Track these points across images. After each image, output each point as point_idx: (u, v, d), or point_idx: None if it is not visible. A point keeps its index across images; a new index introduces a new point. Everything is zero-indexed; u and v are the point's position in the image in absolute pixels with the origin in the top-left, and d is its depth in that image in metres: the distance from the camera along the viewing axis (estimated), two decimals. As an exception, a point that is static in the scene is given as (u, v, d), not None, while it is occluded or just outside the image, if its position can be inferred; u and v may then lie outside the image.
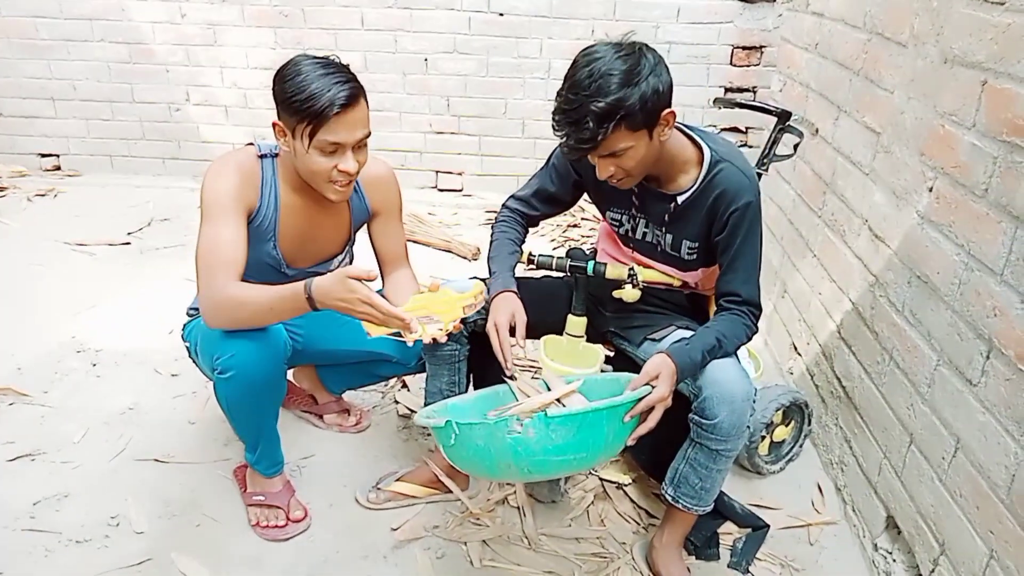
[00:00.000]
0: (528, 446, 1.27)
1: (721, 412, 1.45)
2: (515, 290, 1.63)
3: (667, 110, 1.40)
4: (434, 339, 1.46)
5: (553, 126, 1.41)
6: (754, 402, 1.50)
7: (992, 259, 1.35)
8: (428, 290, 1.51)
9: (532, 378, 1.65)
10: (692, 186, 1.53)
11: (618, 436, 1.38)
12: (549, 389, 1.55)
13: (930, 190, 1.60)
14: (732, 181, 1.50)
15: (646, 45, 1.40)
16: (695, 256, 1.61)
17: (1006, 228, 1.31)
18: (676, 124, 1.49)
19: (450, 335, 1.67)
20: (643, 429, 1.40)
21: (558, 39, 3.63)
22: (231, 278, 1.47)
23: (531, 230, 1.85)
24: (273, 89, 1.50)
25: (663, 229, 1.61)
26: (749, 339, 1.58)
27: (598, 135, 1.35)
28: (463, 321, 1.67)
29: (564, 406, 1.48)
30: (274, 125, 1.52)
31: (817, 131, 2.33)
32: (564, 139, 1.40)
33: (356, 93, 1.47)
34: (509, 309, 1.58)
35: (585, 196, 1.75)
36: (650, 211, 1.61)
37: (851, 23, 2.17)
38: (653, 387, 1.40)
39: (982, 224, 1.39)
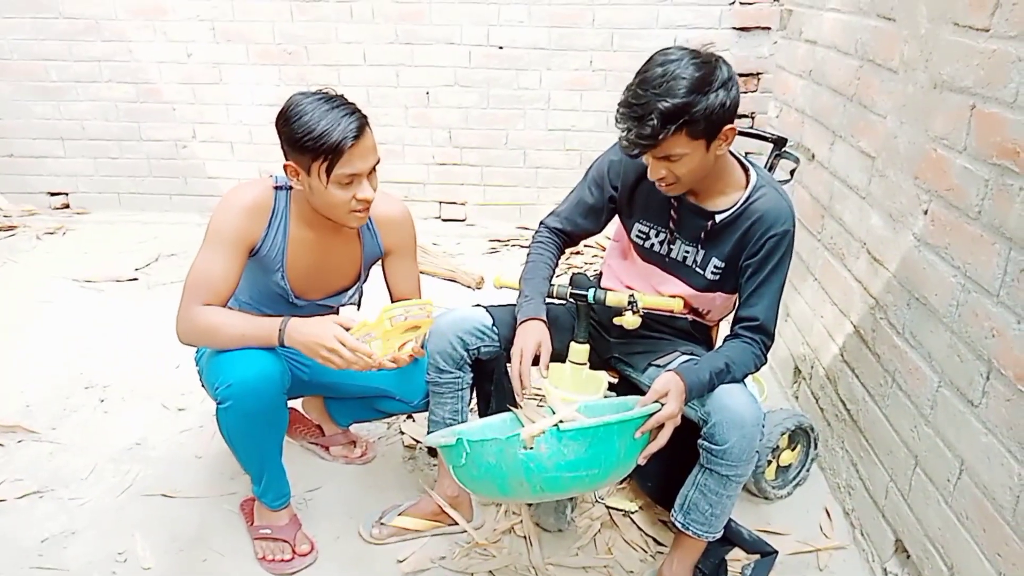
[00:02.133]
0: (540, 462, 1.28)
1: (731, 437, 1.45)
2: (544, 319, 1.62)
3: (729, 126, 1.43)
4: (394, 359, 1.53)
5: (616, 118, 1.43)
6: (763, 426, 1.50)
7: (988, 280, 1.36)
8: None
9: (538, 406, 1.65)
10: (734, 205, 1.54)
11: (629, 453, 1.38)
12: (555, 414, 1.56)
13: (925, 213, 1.62)
14: (774, 206, 1.52)
15: (722, 59, 1.42)
16: (718, 277, 1.62)
17: (1000, 249, 1.32)
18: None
19: (455, 362, 1.69)
20: (654, 447, 1.40)
21: (557, 70, 3.69)
22: (212, 303, 1.55)
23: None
24: (280, 132, 1.52)
25: (696, 246, 1.62)
26: (757, 369, 1.58)
27: (659, 135, 1.37)
28: (466, 349, 1.69)
29: None
30: (286, 168, 1.55)
31: (813, 156, 2.36)
32: (625, 133, 1.41)
33: (364, 123, 1.51)
34: (537, 338, 1.57)
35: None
36: (686, 226, 1.62)
37: (843, 50, 2.20)
38: (663, 404, 1.40)
39: (977, 246, 1.40)
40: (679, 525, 1.60)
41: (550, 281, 1.71)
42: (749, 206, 1.53)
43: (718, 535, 1.61)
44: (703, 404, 1.50)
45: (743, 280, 1.58)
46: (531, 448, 1.28)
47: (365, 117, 1.52)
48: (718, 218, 1.56)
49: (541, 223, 1.81)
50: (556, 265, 1.76)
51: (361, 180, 1.54)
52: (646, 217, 1.67)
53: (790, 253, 1.56)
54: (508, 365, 1.62)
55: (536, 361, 1.57)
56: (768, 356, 1.59)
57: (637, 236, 1.70)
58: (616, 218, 1.77)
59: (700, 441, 1.52)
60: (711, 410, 1.48)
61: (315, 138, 1.45)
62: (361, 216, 1.59)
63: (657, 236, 1.67)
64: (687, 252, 1.64)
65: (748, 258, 1.55)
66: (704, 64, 1.38)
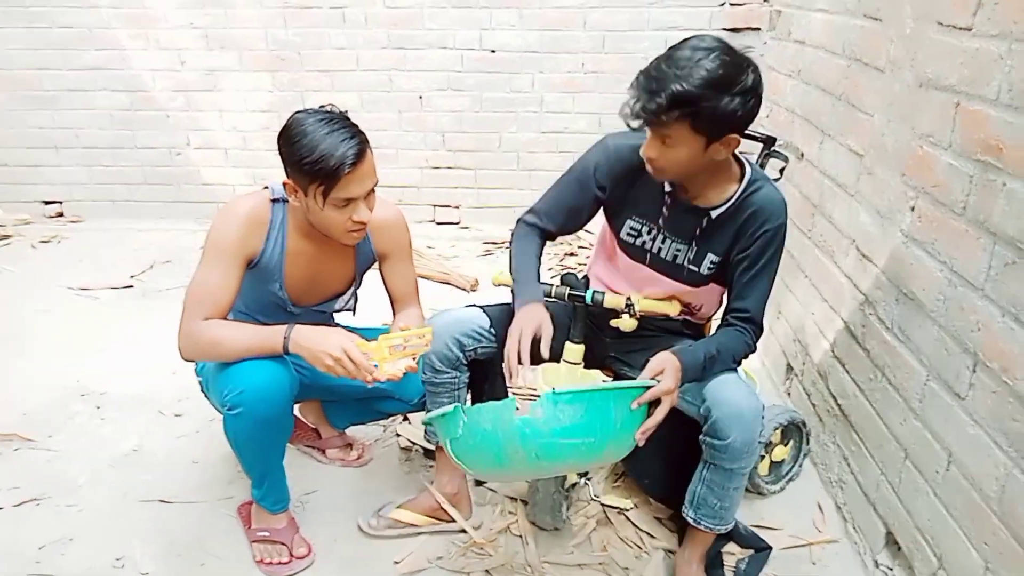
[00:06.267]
0: (536, 427, 1.28)
1: (733, 432, 1.48)
2: (543, 301, 1.61)
3: (733, 135, 1.41)
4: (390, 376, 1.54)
5: (632, 83, 1.40)
6: (763, 418, 1.53)
7: (973, 274, 1.38)
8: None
9: (528, 399, 1.66)
10: (728, 201, 1.55)
11: (626, 426, 1.38)
12: None
13: (912, 209, 1.64)
14: (769, 200, 1.53)
15: (755, 67, 1.39)
16: (713, 270, 1.63)
17: (985, 244, 1.34)
18: None
19: (451, 363, 1.71)
20: (651, 422, 1.41)
21: (549, 73, 3.71)
22: (213, 318, 1.56)
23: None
24: (280, 150, 1.53)
25: (690, 243, 1.62)
26: (746, 356, 1.61)
27: (662, 114, 1.35)
28: (463, 350, 1.70)
29: None
30: (285, 184, 1.56)
31: (803, 155, 2.38)
32: (633, 101, 1.39)
33: (364, 148, 1.51)
34: (537, 319, 1.55)
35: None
36: (678, 224, 1.61)
37: (831, 50, 2.23)
38: (658, 381, 1.42)
39: (962, 241, 1.42)
40: (691, 520, 1.63)
41: (539, 270, 1.70)
42: (744, 200, 1.54)
43: (730, 526, 1.64)
44: (703, 400, 1.52)
45: (735, 273, 1.59)
46: (527, 412, 1.29)
47: (366, 140, 1.52)
48: (713, 214, 1.56)
49: (519, 219, 1.77)
50: (541, 257, 1.74)
51: (358, 203, 1.55)
52: (638, 213, 1.67)
53: (782, 247, 1.57)
54: (503, 364, 1.62)
55: (537, 345, 1.54)
56: (758, 345, 1.62)
57: (628, 234, 1.69)
58: (599, 220, 1.77)
59: (702, 437, 1.54)
60: (711, 406, 1.50)
61: (313, 162, 1.46)
62: (357, 235, 1.61)
63: (648, 233, 1.66)
64: (678, 251, 1.64)
65: (741, 251, 1.56)
66: (733, 65, 1.35)
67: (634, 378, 1.76)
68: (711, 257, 1.61)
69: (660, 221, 1.63)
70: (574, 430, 1.30)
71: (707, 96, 1.33)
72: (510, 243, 1.76)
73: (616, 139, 1.64)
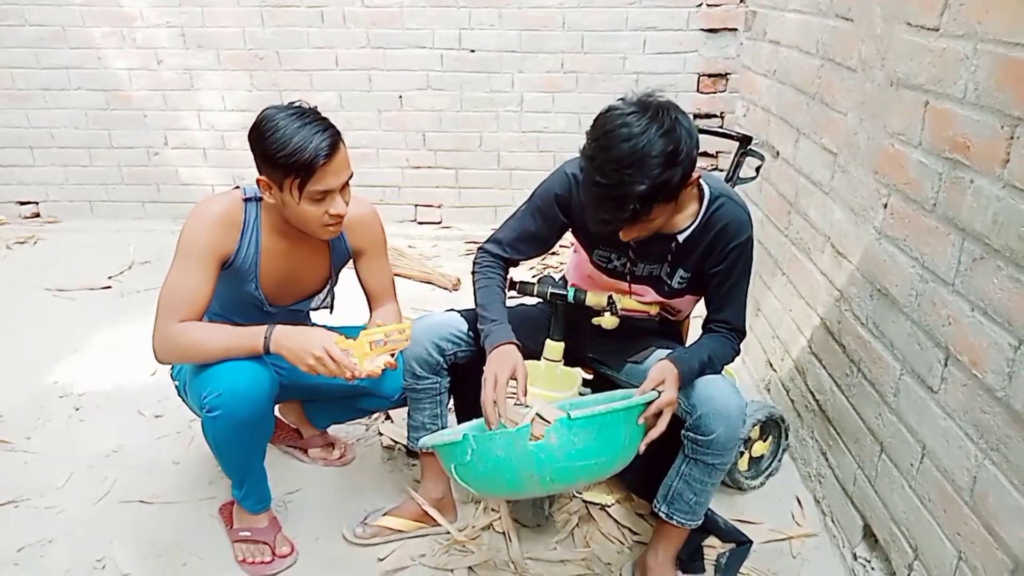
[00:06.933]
0: (551, 452, 1.28)
1: (718, 427, 1.50)
2: (517, 343, 1.58)
3: (696, 174, 1.42)
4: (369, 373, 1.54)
5: (588, 198, 1.39)
6: (745, 415, 1.55)
7: (944, 270, 1.41)
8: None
9: (516, 405, 1.66)
10: (693, 223, 1.56)
11: (632, 441, 1.40)
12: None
13: (885, 206, 1.67)
14: (733, 216, 1.55)
15: (677, 108, 1.36)
16: (684, 285, 1.66)
17: (954, 240, 1.38)
18: None
19: (432, 367, 1.71)
20: (653, 433, 1.42)
21: (529, 72, 3.72)
22: (188, 319, 1.55)
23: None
24: (252, 146, 1.52)
25: (661, 264, 1.64)
26: (732, 360, 1.64)
27: (640, 215, 1.34)
28: (442, 354, 1.71)
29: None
30: (259, 181, 1.55)
31: (778, 154, 2.41)
32: (602, 214, 1.37)
33: (337, 140, 1.51)
34: (511, 363, 1.51)
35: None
36: (649, 252, 1.63)
37: (804, 50, 2.26)
38: (660, 392, 1.44)
39: (933, 237, 1.45)
40: (663, 515, 1.64)
41: (506, 305, 1.69)
42: (709, 218, 1.55)
43: (700, 522, 1.65)
44: (687, 397, 1.54)
45: (711, 287, 1.62)
46: (541, 438, 1.29)
47: (338, 133, 1.53)
48: (680, 238, 1.57)
49: (481, 248, 1.75)
50: (505, 289, 1.73)
51: (334, 196, 1.55)
52: (604, 243, 1.67)
53: (752, 257, 1.61)
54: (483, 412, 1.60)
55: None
56: (740, 348, 1.65)
57: (599, 259, 1.71)
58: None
59: (685, 432, 1.56)
60: (696, 403, 1.52)
61: (287, 155, 1.45)
62: (333, 230, 1.60)
63: (619, 259, 1.68)
64: (652, 268, 1.66)
65: (714, 267, 1.59)
66: (669, 129, 1.32)
67: (614, 376, 1.79)
68: (681, 273, 1.64)
69: (630, 253, 1.64)
70: (588, 452, 1.31)
71: (670, 176, 1.32)
72: (472, 272, 1.75)
73: (575, 167, 1.61)
